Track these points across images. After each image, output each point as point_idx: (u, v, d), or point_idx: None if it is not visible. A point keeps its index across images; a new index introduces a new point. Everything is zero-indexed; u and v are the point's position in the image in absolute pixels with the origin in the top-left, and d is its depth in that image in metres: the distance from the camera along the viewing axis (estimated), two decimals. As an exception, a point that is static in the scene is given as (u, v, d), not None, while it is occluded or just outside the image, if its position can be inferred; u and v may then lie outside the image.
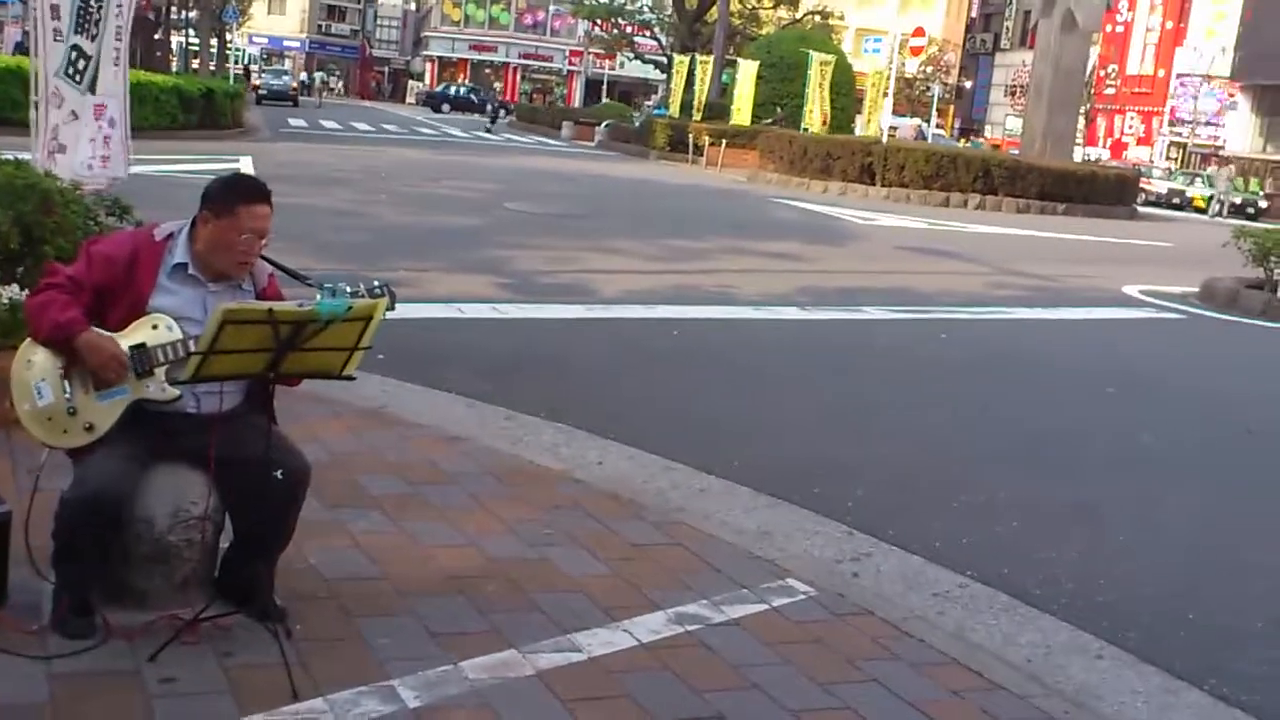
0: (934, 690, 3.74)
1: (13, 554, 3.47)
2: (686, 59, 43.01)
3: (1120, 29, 65.31)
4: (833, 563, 4.83)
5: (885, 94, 33.67)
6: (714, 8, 45.52)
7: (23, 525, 3.43)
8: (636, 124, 43.96)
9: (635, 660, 3.68)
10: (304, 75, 72.75)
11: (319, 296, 3.35)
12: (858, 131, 38.23)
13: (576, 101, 76.20)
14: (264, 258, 3.63)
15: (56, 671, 3.18)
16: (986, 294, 13.77)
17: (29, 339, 3.41)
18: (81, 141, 6.34)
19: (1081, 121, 49.42)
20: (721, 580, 4.38)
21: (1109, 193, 31.25)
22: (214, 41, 55.11)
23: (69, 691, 3.10)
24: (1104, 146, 64.63)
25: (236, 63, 58.69)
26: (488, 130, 47.77)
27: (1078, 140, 47.18)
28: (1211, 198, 44.53)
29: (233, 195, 3.45)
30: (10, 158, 5.45)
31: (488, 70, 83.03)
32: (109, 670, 3.21)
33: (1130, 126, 65.92)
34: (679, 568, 4.46)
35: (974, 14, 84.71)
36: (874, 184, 28.26)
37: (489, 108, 53.71)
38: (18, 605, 3.45)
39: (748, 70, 37.59)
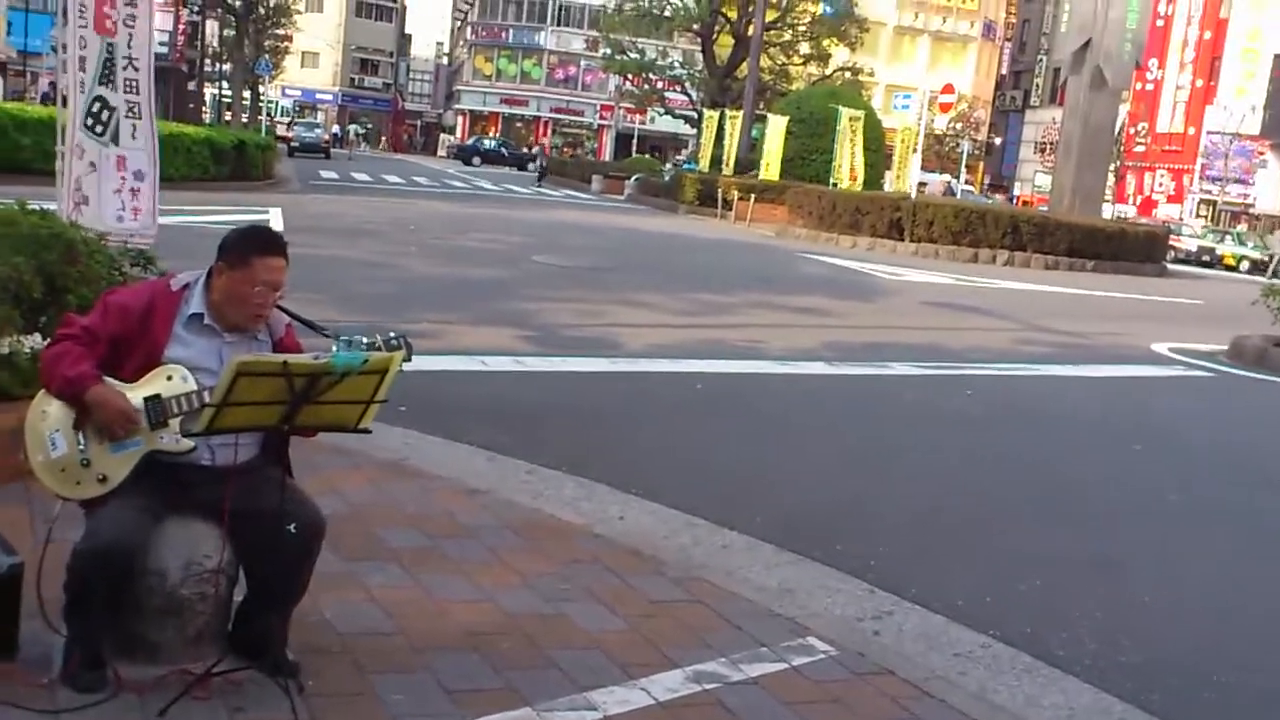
0: (955, 754, 3.67)
1: (25, 606, 3.45)
2: (716, 114, 43.27)
3: (1150, 87, 65.44)
4: (854, 621, 4.77)
5: (914, 150, 33.76)
6: (744, 64, 45.83)
7: (34, 577, 3.41)
8: (666, 178, 44.18)
9: (652, 719, 3.62)
10: (337, 128, 73.64)
11: (335, 348, 3.35)
12: (887, 187, 38.33)
13: (607, 155, 76.81)
14: (281, 308, 3.63)
15: (66, 725, 3.15)
16: (1014, 350, 13.69)
17: (43, 390, 3.42)
18: (105, 194, 6.40)
19: (1111, 178, 49.45)
20: (741, 638, 4.32)
21: (1138, 250, 31.15)
22: (247, 94, 55.89)
23: (77, 745, 3.07)
24: (1133, 204, 64.52)
25: (269, 115, 59.47)
26: (538, 185, 48.37)
27: (1107, 197, 47.13)
28: (1271, 258, 43.74)
29: (248, 247, 3.45)
30: (36, 208, 5.51)
31: (519, 124, 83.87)
32: (118, 724, 3.19)
33: (1160, 184, 65.87)
34: (699, 625, 4.41)
35: (1004, 71, 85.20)
36: (903, 239, 28.27)
37: (538, 163, 54.09)
38: (28, 658, 3.42)
39: (777, 125, 37.80)
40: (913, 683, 4.12)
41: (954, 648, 4.62)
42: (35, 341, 5.20)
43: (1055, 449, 8.85)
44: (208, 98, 57.87)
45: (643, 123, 73.07)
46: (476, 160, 69.68)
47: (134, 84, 6.45)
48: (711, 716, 3.69)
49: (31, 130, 20.87)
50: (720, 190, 35.47)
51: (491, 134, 79.92)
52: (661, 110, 59.58)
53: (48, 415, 3.38)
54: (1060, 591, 5.58)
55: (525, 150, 71.15)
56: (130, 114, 6.45)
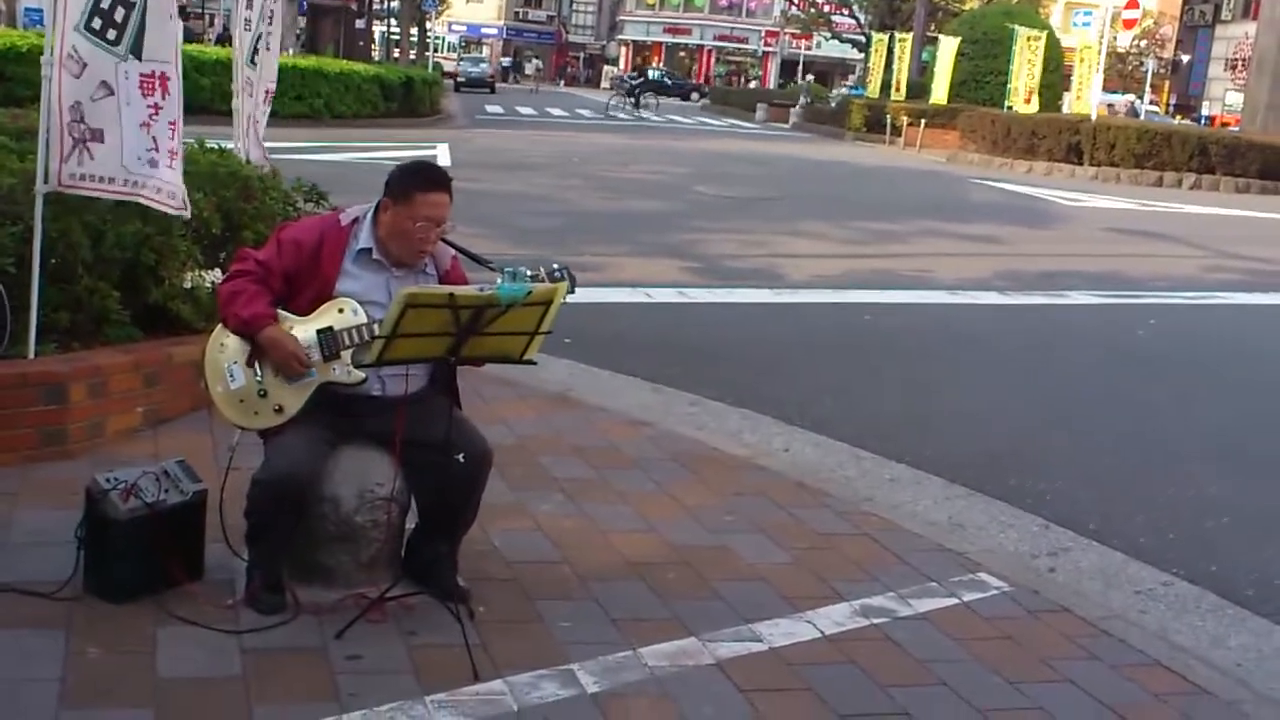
0: (1133, 692, 3.55)
1: (209, 531, 3.59)
2: (885, 37, 42.10)
3: (1355, -6, 61.17)
4: (1028, 557, 4.65)
5: (1095, 70, 32.26)
6: (915, -17, 44.43)
7: (218, 503, 3.55)
8: (832, 104, 43.26)
9: (817, 652, 3.60)
10: (506, 60, 74.01)
11: (499, 280, 3.36)
12: (1065, 109, 36.84)
13: (772, 83, 75.67)
14: (447, 241, 3.66)
15: (248, 646, 3.28)
16: (1200, 278, 13.06)
17: (221, 323, 3.53)
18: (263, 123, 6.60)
19: (1310, 94, 46.39)
20: (909, 573, 4.25)
21: (1341, 170, 29.23)
22: (414, 30, 56.68)
23: (259, 665, 3.19)
24: (1335, 120, 60.65)
25: (435, 51, 60.05)
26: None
27: (1305, 114, 44.33)
28: None
29: (411, 183, 3.48)
30: (214, 146, 5.68)
31: (682, 53, 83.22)
32: (297, 646, 3.30)
33: (1366, 99, 61.70)
34: (865, 559, 4.35)
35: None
36: (1081, 163, 27.18)
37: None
38: (214, 581, 3.58)
39: (948, 47, 36.58)
40: (1090, 621, 3.99)
41: (1134, 585, 4.47)
42: (215, 276, 5.38)
43: (1244, 383, 8.44)
44: (376, 36, 58.83)
45: (808, 48, 71.66)
46: (640, 91, 69.47)
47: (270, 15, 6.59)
48: (879, 651, 3.64)
49: (209, 71, 21.49)
50: (889, 116, 34.61)
51: (655, 64, 79.48)
52: (828, 35, 58.25)
53: (226, 348, 3.50)
54: (1249, 530, 5.33)
55: (688, 79, 70.04)
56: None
